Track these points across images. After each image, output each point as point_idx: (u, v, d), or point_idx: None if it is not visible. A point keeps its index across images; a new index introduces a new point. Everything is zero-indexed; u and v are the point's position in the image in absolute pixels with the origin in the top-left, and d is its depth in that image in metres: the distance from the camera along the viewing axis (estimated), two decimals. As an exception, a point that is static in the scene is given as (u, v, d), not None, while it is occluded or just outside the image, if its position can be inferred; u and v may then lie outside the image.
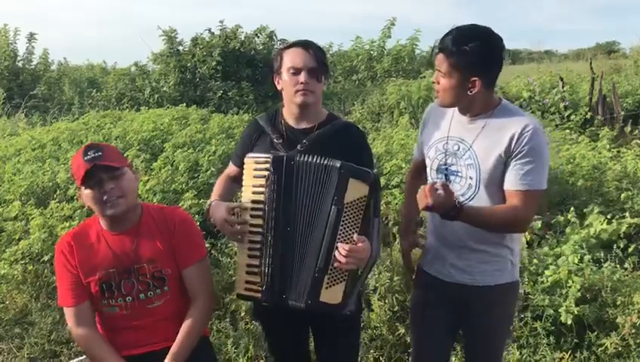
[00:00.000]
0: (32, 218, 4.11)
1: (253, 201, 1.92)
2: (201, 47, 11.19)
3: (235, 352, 3.02)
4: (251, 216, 1.92)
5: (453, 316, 2.08)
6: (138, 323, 2.04)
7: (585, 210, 3.78)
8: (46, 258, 3.80)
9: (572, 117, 7.28)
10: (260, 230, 1.92)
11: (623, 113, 7.54)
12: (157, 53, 11.50)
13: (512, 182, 1.86)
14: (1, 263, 3.82)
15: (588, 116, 7.35)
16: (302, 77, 1.96)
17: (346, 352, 2.17)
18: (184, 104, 9.03)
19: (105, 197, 1.93)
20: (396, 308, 3.17)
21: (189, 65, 11.01)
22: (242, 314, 3.31)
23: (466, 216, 1.81)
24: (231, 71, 10.98)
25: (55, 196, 4.71)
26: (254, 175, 1.92)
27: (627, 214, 3.76)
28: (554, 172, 4.49)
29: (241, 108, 9.63)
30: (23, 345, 3.27)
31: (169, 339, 2.03)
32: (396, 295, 3.19)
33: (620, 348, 2.82)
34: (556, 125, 6.83)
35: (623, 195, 4.10)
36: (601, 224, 3.53)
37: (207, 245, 2.70)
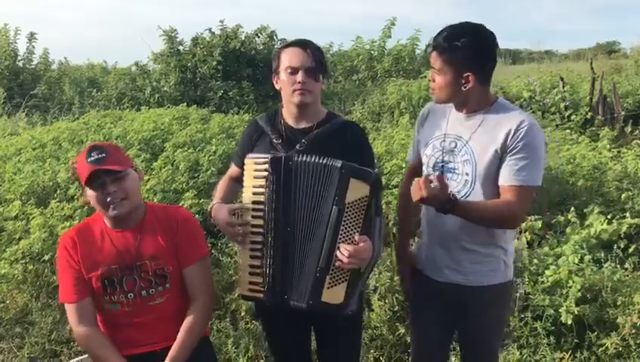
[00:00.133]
0: (33, 217, 4.11)
1: (254, 202, 1.92)
2: (202, 46, 11.18)
3: (235, 352, 3.02)
4: (252, 216, 1.92)
5: (449, 316, 2.09)
6: (139, 321, 2.04)
7: (585, 210, 3.78)
8: (46, 257, 3.80)
9: (572, 117, 7.28)
10: (261, 230, 1.92)
11: (623, 113, 7.53)
12: (157, 53, 11.49)
13: (506, 177, 1.86)
14: (2, 263, 3.82)
15: (588, 116, 7.34)
16: (299, 76, 1.95)
17: (347, 352, 2.17)
18: (184, 104, 9.03)
19: (109, 199, 1.94)
20: (396, 308, 3.17)
21: (189, 64, 11.01)
22: (242, 313, 3.31)
23: (460, 210, 1.81)
24: (231, 71, 10.97)
25: (55, 196, 4.71)
26: (254, 175, 1.92)
27: (627, 214, 3.76)
28: (554, 172, 4.50)
29: (242, 108, 9.62)
30: (24, 345, 3.27)
31: (170, 339, 2.03)
32: (396, 295, 3.19)
33: (620, 349, 2.82)
34: (556, 125, 6.82)
35: (623, 195, 4.10)
36: (602, 224, 3.53)
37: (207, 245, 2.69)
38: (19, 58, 12.83)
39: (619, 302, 2.96)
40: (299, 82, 1.95)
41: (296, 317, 1.99)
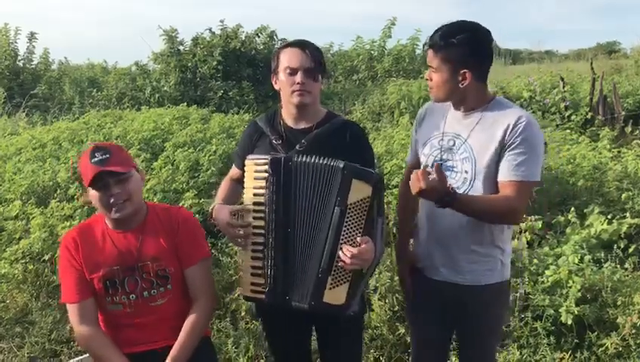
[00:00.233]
0: (33, 217, 4.12)
1: (255, 203, 1.91)
2: (202, 46, 11.17)
3: (235, 352, 3.02)
4: (253, 218, 1.92)
5: (449, 315, 2.09)
6: (141, 321, 2.04)
7: (585, 210, 3.78)
8: (46, 257, 3.80)
9: (573, 117, 7.28)
10: (262, 231, 1.92)
11: (623, 113, 7.53)
12: (157, 53, 11.48)
13: (505, 172, 1.86)
14: (2, 262, 3.82)
15: (588, 116, 7.34)
16: (298, 77, 1.95)
17: (349, 353, 2.17)
18: (185, 103, 9.03)
19: (112, 200, 1.94)
20: (396, 308, 3.17)
21: (189, 64, 11.00)
22: (242, 313, 3.31)
23: (459, 204, 1.81)
24: (231, 70, 10.96)
25: (55, 195, 4.72)
26: (255, 177, 1.92)
27: (627, 214, 3.76)
28: (554, 172, 4.50)
29: (242, 108, 9.62)
30: (24, 344, 3.27)
31: (170, 338, 2.03)
32: (396, 295, 3.20)
33: (620, 349, 2.82)
34: (557, 125, 6.82)
35: (623, 195, 4.10)
36: (602, 224, 3.53)
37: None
38: (19, 58, 12.81)
39: (619, 302, 2.97)
40: (298, 83, 1.95)
41: (297, 317, 1.99)
